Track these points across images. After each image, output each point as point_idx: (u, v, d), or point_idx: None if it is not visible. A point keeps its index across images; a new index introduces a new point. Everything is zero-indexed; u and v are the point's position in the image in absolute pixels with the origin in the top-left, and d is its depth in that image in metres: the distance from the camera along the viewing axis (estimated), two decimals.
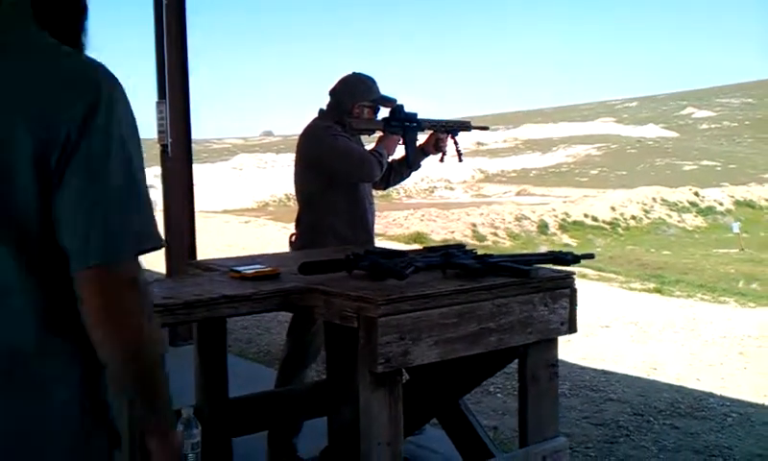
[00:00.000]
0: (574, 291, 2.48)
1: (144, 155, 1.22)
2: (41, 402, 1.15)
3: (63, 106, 1.11)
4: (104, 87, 1.15)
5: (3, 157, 1.09)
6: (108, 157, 1.13)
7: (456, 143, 3.62)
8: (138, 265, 1.18)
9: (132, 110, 1.20)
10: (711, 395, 5.05)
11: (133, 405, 1.24)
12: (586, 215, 25.06)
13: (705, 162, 43.79)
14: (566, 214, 24.82)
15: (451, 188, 39.43)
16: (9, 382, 1.13)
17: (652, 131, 60.87)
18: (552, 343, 2.49)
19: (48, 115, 1.10)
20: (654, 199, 27.19)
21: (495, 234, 22.22)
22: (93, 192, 1.12)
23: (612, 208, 25.85)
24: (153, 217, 1.19)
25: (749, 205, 29.01)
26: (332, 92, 3.54)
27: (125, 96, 1.19)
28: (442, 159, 3.66)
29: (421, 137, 3.60)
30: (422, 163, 3.66)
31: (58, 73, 1.14)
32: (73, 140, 1.10)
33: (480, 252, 2.62)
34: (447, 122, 3.59)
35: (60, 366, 1.17)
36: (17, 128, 1.09)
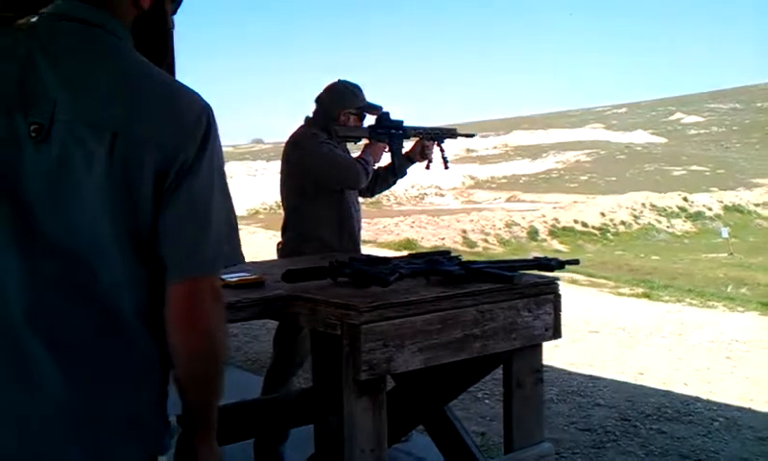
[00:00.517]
0: (558, 297, 2.48)
1: None
2: (128, 398, 1.25)
3: (185, 133, 1.24)
4: (209, 116, 1.28)
5: (133, 172, 1.20)
6: (213, 181, 1.28)
7: (442, 150, 3.64)
8: (219, 278, 1.33)
9: None
10: (698, 399, 5.08)
11: (189, 405, 1.34)
12: (575, 221, 25.13)
13: (693, 168, 43.95)
14: (556, 220, 24.88)
15: (441, 195, 39.40)
16: (105, 371, 1.22)
17: (641, 137, 61.11)
18: (536, 349, 2.50)
19: (173, 141, 1.23)
20: (643, 204, 27.29)
21: (486, 241, 22.24)
22: (199, 213, 1.26)
23: (602, 214, 25.94)
24: (238, 236, 1.35)
25: (737, 209, 29.17)
26: (318, 100, 3.55)
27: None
28: (428, 167, 3.67)
29: (407, 145, 3.61)
30: (408, 170, 3.67)
31: (179, 102, 1.27)
32: (188, 164, 1.24)
33: (470, 258, 2.62)
34: (433, 129, 3.61)
35: (149, 366, 1.27)
36: (146, 149, 1.21)
